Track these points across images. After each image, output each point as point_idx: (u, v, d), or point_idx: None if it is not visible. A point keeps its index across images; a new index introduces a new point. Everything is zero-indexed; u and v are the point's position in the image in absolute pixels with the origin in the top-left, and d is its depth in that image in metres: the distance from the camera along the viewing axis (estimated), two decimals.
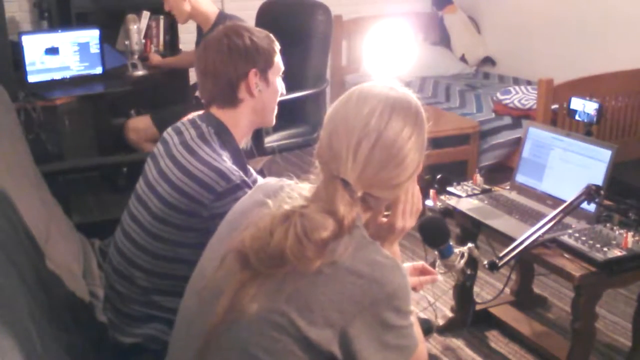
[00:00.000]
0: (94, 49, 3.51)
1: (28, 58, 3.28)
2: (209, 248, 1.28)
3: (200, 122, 1.62)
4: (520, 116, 3.66)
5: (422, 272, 1.54)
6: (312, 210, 1.12)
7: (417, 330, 1.24)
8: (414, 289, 1.50)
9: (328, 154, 1.17)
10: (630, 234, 1.92)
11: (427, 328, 2.26)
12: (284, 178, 1.31)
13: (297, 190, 1.22)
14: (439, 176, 2.35)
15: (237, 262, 1.12)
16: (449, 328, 2.56)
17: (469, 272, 1.63)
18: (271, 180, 1.31)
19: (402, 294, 1.11)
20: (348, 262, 1.08)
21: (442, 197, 2.32)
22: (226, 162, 1.54)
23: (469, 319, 2.45)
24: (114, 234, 1.71)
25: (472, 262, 1.64)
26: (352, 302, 1.07)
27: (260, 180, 1.65)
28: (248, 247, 1.11)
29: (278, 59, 1.67)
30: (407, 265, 1.51)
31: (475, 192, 2.37)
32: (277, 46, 1.67)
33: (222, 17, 3.30)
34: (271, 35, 1.67)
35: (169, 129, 1.68)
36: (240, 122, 1.64)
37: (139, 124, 3.48)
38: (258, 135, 3.07)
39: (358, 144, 1.14)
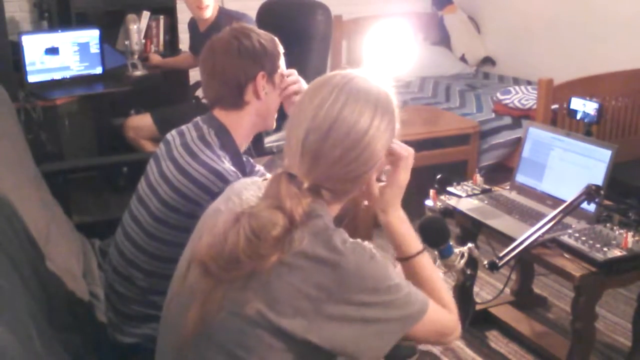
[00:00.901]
0: (94, 49, 3.51)
1: (28, 58, 3.28)
2: (186, 249, 1.28)
3: (202, 124, 1.63)
4: (520, 116, 3.66)
5: None
6: (260, 208, 1.10)
7: (445, 299, 1.24)
8: None
9: (287, 150, 1.16)
10: (630, 234, 1.92)
11: None
12: (254, 177, 1.29)
13: (254, 191, 1.20)
14: (439, 176, 2.35)
15: (198, 271, 1.11)
16: None
17: (469, 272, 1.62)
18: (239, 182, 1.29)
19: (372, 273, 1.10)
20: (310, 250, 1.07)
21: (442, 197, 2.32)
22: (224, 163, 1.54)
23: (467, 319, 2.45)
24: (114, 234, 1.71)
25: (472, 262, 1.64)
26: (319, 288, 1.06)
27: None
28: (205, 256, 1.10)
29: (282, 63, 1.67)
30: None
31: (475, 192, 2.37)
32: (281, 49, 1.67)
33: (222, 13, 3.30)
34: (275, 38, 1.68)
35: (173, 131, 1.68)
36: (242, 124, 1.64)
37: (139, 122, 3.48)
38: (258, 136, 3.07)
39: (306, 137, 1.11)
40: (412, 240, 1.29)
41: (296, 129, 1.13)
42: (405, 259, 1.29)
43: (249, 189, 1.22)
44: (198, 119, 1.66)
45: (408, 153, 1.26)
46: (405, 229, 1.29)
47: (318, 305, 1.06)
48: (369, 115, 1.12)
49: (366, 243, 1.14)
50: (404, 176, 1.27)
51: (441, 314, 1.21)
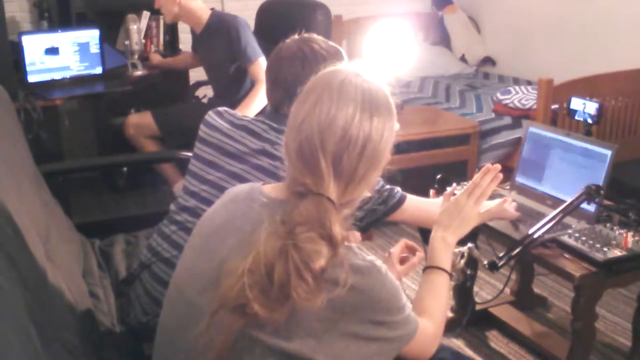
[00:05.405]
0: (94, 49, 3.51)
1: (28, 58, 3.28)
2: (184, 258, 1.24)
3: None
4: (520, 116, 3.66)
5: (407, 248, 1.55)
6: (303, 238, 1.00)
7: (437, 317, 1.27)
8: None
9: (301, 166, 1.06)
10: (630, 234, 1.92)
11: None
12: (252, 182, 1.25)
13: (263, 199, 1.13)
14: (439, 176, 2.35)
15: (233, 315, 1.01)
16: (449, 328, 2.55)
17: (469, 272, 1.62)
18: (241, 187, 1.24)
19: (386, 296, 1.09)
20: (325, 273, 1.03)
21: None
22: None
23: (465, 318, 2.45)
24: (160, 230, 1.71)
25: (472, 262, 1.64)
26: (333, 310, 1.03)
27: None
28: (250, 298, 0.98)
29: None
30: (391, 250, 1.52)
31: None
32: (345, 57, 1.64)
33: (215, 16, 3.30)
34: (339, 48, 1.67)
35: (245, 133, 1.65)
36: None
37: (140, 120, 3.47)
38: None
39: (339, 160, 1.04)
40: (442, 260, 1.36)
41: (322, 150, 1.04)
42: (428, 268, 1.37)
43: (254, 205, 1.14)
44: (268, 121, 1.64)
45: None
46: (442, 249, 1.38)
47: (330, 325, 1.04)
48: (389, 120, 1.10)
49: (380, 262, 1.11)
50: (468, 209, 1.40)
51: (425, 335, 1.22)
